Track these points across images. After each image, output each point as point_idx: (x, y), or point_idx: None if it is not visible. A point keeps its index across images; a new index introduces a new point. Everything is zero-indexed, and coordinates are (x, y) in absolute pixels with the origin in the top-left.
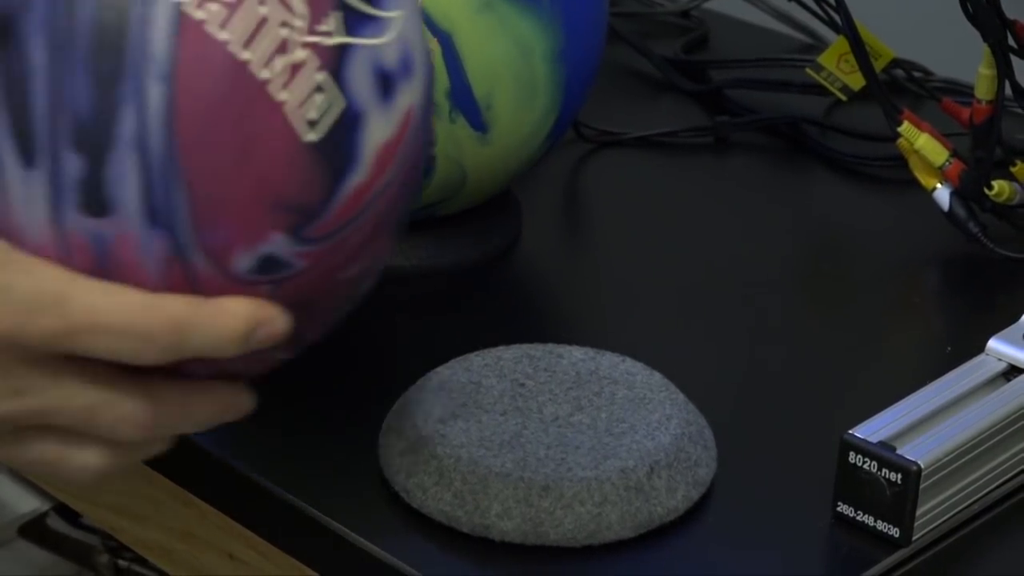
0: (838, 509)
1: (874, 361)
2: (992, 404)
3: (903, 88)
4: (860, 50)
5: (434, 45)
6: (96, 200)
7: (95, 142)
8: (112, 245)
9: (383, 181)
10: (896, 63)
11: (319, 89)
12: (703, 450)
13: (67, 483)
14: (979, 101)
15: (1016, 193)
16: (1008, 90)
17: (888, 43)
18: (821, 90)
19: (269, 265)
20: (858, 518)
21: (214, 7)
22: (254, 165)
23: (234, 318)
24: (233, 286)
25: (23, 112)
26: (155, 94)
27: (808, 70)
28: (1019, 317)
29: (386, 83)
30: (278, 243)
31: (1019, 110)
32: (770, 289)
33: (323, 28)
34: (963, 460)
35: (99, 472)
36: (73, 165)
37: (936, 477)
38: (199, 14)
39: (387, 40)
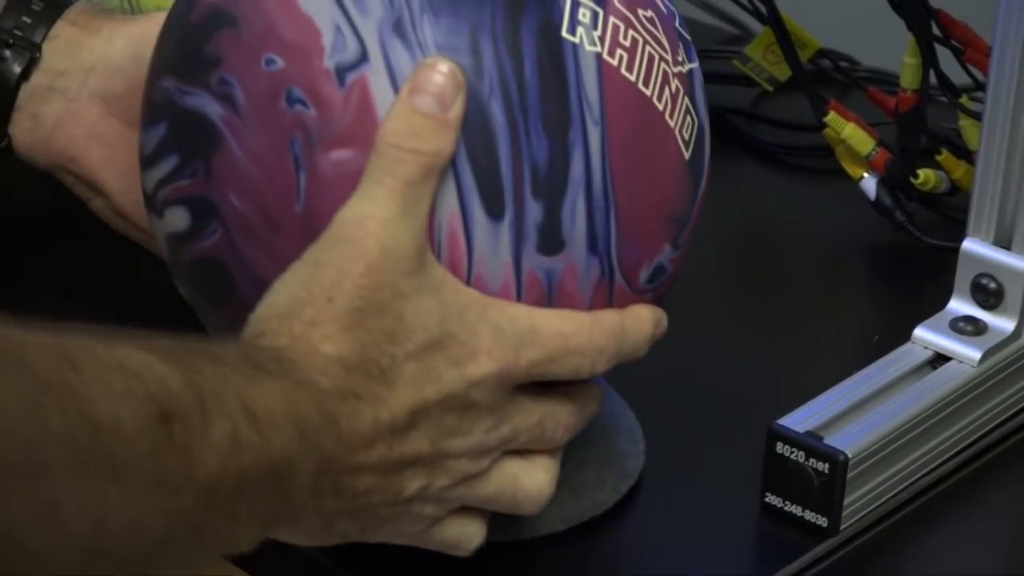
0: (766, 499)
1: (802, 351)
2: (918, 393)
3: (829, 78)
4: (785, 41)
5: None
6: (552, 239)
7: (552, 187)
8: (560, 277)
9: (707, 186)
10: (822, 53)
11: (687, 112)
12: (631, 444)
13: (519, 510)
14: (904, 90)
15: (942, 181)
16: (933, 79)
17: (814, 33)
18: (748, 81)
19: (657, 273)
20: (786, 508)
21: (619, 52)
22: (658, 186)
23: (647, 321)
24: (635, 297)
25: (489, 169)
26: (594, 136)
27: (735, 61)
28: (945, 305)
29: (705, 99)
30: (665, 253)
31: (944, 99)
32: (698, 279)
33: (679, 59)
34: (890, 449)
35: (548, 487)
36: (534, 211)
37: (863, 466)
38: (612, 60)
39: (697, 63)
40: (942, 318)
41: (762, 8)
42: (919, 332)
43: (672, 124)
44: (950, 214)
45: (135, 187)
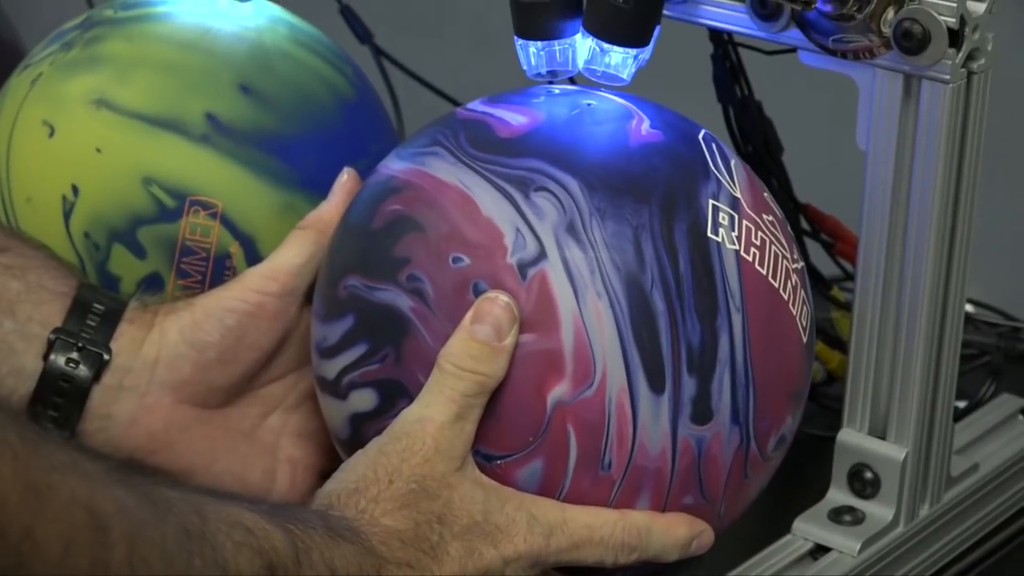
0: None
1: None
2: None
3: None
4: None
5: (235, 248)
6: (704, 411)
7: (704, 365)
8: (707, 444)
9: None
10: None
11: (804, 302)
12: None
13: None
14: None
15: (818, 372)
16: None
17: None
18: None
19: (780, 443)
20: None
21: (752, 250)
22: (785, 365)
23: (682, 529)
24: (764, 463)
25: (652, 349)
26: (737, 321)
27: None
28: (824, 495)
29: (811, 291)
30: (788, 424)
31: (815, 291)
32: None
33: (795, 256)
34: None
35: None
36: (689, 386)
37: None
38: (748, 257)
39: (803, 261)
40: (821, 508)
41: None
42: (799, 524)
43: (794, 312)
44: (827, 404)
45: (217, 459)
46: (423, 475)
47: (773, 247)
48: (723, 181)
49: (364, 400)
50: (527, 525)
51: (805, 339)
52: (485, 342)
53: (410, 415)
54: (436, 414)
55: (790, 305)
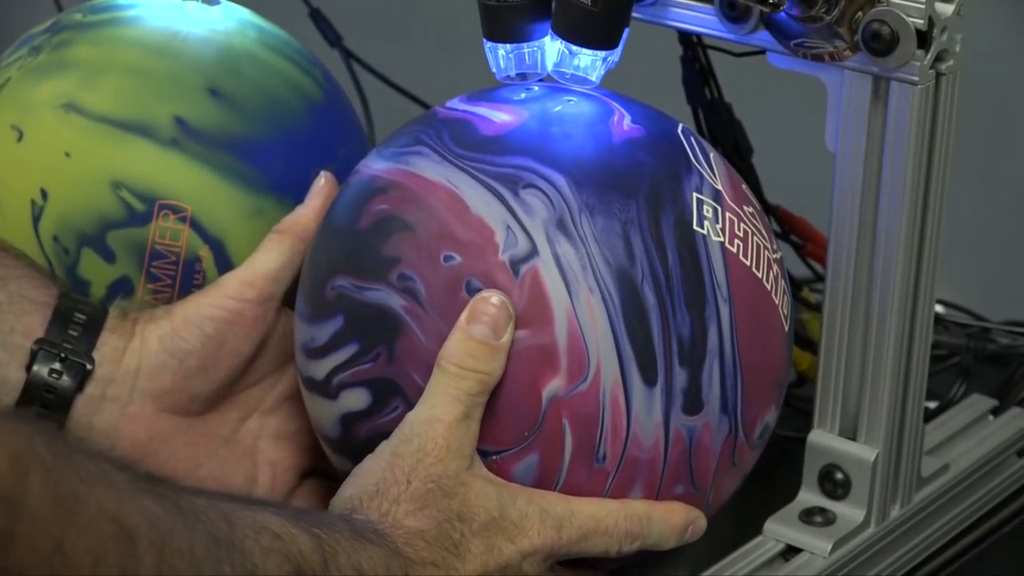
0: None
1: None
2: None
3: None
4: None
5: (205, 252)
6: (694, 401)
7: (694, 356)
8: (698, 434)
9: None
10: None
11: (785, 291)
12: None
13: None
14: None
15: (790, 373)
16: None
17: None
18: None
19: (764, 431)
20: None
21: (736, 241)
22: (770, 354)
23: (679, 516)
24: (750, 452)
25: (644, 342)
26: (724, 312)
27: None
28: (794, 496)
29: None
30: (772, 412)
31: None
32: None
33: (774, 246)
34: None
35: None
36: (680, 377)
37: None
38: (732, 248)
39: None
40: (792, 510)
41: None
42: (770, 525)
43: (776, 301)
44: (798, 405)
45: (200, 466)
46: (439, 474)
47: (755, 238)
48: (705, 174)
49: (356, 399)
50: (539, 519)
51: (787, 327)
52: (483, 341)
53: (418, 416)
54: (444, 414)
55: (773, 295)
